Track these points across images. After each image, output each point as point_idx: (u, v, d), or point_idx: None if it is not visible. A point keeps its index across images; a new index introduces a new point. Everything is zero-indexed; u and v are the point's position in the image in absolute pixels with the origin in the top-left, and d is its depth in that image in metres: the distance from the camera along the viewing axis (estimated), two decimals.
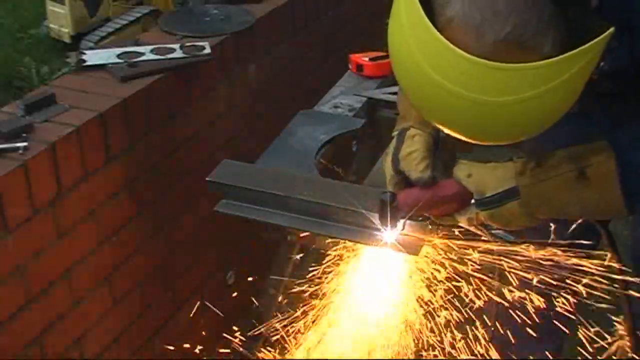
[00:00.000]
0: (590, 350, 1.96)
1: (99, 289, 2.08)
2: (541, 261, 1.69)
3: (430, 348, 1.87)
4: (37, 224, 1.83)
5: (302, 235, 1.81)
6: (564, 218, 1.47)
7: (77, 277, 1.99)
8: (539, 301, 1.84)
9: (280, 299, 2.07)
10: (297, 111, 2.18)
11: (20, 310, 1.84)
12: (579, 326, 1.96)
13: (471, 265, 1.70)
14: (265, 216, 1.79)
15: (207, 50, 2.27)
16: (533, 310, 1.86)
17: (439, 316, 1.82)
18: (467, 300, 1.81)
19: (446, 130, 1.31)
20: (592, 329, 1.96)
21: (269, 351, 2.24)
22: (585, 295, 1.77)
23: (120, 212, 2.11)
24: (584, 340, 1.95)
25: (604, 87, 1.39)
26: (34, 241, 1.84)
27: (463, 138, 1.30)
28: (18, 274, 1.81)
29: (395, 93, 2.32)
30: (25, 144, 1.80)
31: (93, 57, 2.20)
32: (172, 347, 2.44)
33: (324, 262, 2.06)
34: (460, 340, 1.88)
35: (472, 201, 1.51)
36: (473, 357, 2.17)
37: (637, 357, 1.85)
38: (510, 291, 1.81)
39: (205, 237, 2.52)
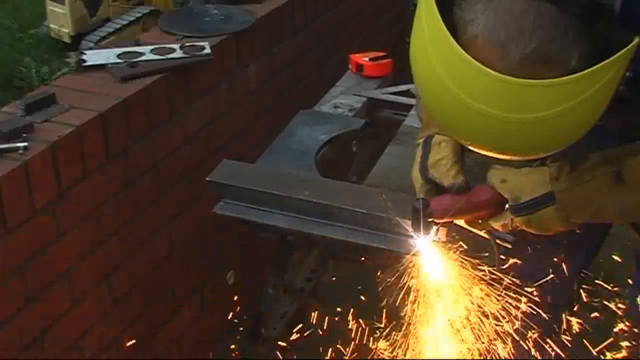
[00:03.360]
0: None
1: (99, 289, 2.08)
2: None
3: None
4: (37, 224, 1.83)
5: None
6: (601, 222, 1.45)
7: (77, 277, 2.00)
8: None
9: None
10: (297, 111, 2.18)
11: (20, 310, 1.84)
12: None
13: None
14: (265, 217, 1.78)
15: (207, 50, 2.27)
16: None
17: None
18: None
19: (470, 147, 1.29)
20: None
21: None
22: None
23: (120, 212, 2.11)
24: None
25: (620, 93, 1.39)
26: (34, 241, 1.84)
27: (488, 154, 1.28)
28: (18, 274, 1.81)
29: (395, 93, 2.32)
30: (25, 144, 1.80)
31: (93, 57, 2.20)
32: (172, 347, 2.44)
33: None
34: None
35: (507, 207, 1.48)
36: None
37: None
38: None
39: (205, 237, 2.52)
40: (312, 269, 2.64)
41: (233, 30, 2.42)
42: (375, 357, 2.10)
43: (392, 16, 3.70)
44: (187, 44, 2.28)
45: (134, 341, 2.24)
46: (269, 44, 2.65)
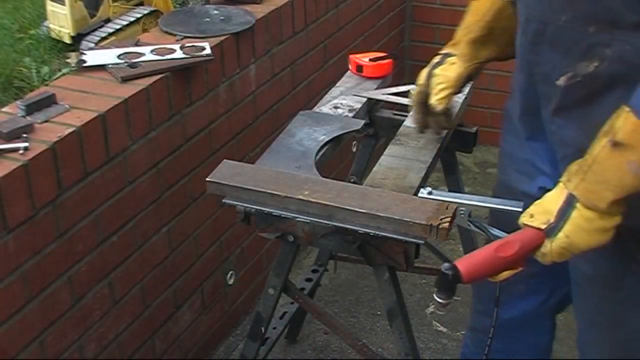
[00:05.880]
0: None
1: (99, 289, 2.09)
2: None
3: None
4: (37, 224, 1.84)
5: None
6: (628, 192, 1.38)
7: (77, 277, 2.00)
8: None
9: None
10: (296, 112, 2.18)
11: (20, 310, 1.84)
12: None
13: None
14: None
15: (207, 51, 2.27)
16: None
17: None
18: None
19: None
20: None
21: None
22: None
23: (120, 212, 2.11)
24: None
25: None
26: (34, 241, 1.84)
27: None
28: (18, 274, 1.81)
29: (395, 93, 2.32)
30: (26, 144, 1.80)
31: (93, 57, 2.20)
32: (172, 347, 2.44)
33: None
34: None
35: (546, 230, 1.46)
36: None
37: None
38: None
39: (205, 237, 2.52)
40: (312, 269, 2.64)
41: (233, 31, 2.42)
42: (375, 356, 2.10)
43: (392, 16, 3.70)
44: (187, 44, 2.29)
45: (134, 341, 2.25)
46: (269, 44, 2.65)
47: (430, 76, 1.87)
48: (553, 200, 1.45)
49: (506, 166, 1.88)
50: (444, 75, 1.86)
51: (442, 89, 1.86)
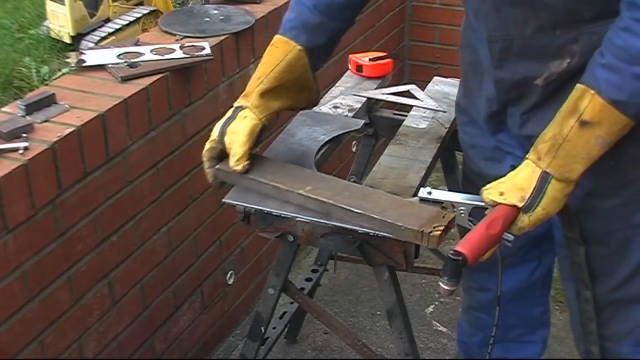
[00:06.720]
0: None
1: (99, 289, 2.09)
2: None
3: None
4: (37, 224, 1.83)
5: None
6: (594, 161, 1.53)
7: (77, 277, 2.00)
8: None
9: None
10: (296, 112, 2.18)
11: (20, 310, 1.84)
12: None
13: None
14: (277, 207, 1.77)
15: (207, 51, 2.27)
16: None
17: None
18: None
19: None
20: None
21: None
22: None
23: (120, 212, 2.11)
24: None
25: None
26: (34, 241, 1.84)
27: None
28: (18, 274, 1.81)
29: (395, 93, 2.32)
30: (25, 144, 1.80)
31: (93, 57, 2.20)
32: (172, 347, 2.44)
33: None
34: None
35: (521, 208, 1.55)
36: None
37: None
38: None
39: (205, 237, 2.52)
40: (312, 269, 2.64)
41: (233, 31, 2.42)
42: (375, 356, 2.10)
43: (392, 16, 3.70)
44: (187, 44, 2.29)
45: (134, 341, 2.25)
46: (269, 44, 2.64)
47: (223, 134, 1.78)
48: (526, 179, 1.55)
49: (473, 156, 1.96)
50: (237, 132, 1.77)
51: (239, 147, 1.76)
